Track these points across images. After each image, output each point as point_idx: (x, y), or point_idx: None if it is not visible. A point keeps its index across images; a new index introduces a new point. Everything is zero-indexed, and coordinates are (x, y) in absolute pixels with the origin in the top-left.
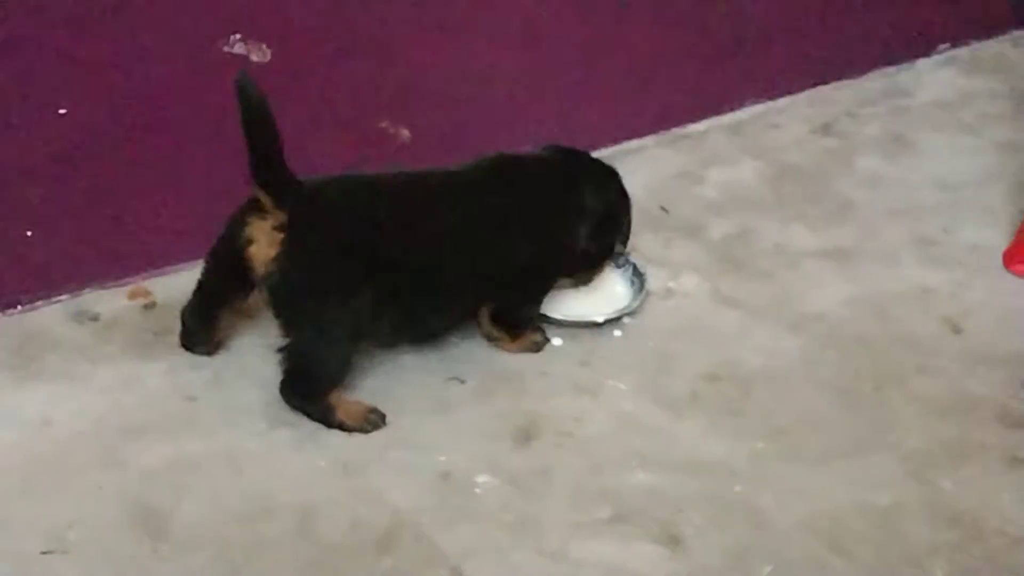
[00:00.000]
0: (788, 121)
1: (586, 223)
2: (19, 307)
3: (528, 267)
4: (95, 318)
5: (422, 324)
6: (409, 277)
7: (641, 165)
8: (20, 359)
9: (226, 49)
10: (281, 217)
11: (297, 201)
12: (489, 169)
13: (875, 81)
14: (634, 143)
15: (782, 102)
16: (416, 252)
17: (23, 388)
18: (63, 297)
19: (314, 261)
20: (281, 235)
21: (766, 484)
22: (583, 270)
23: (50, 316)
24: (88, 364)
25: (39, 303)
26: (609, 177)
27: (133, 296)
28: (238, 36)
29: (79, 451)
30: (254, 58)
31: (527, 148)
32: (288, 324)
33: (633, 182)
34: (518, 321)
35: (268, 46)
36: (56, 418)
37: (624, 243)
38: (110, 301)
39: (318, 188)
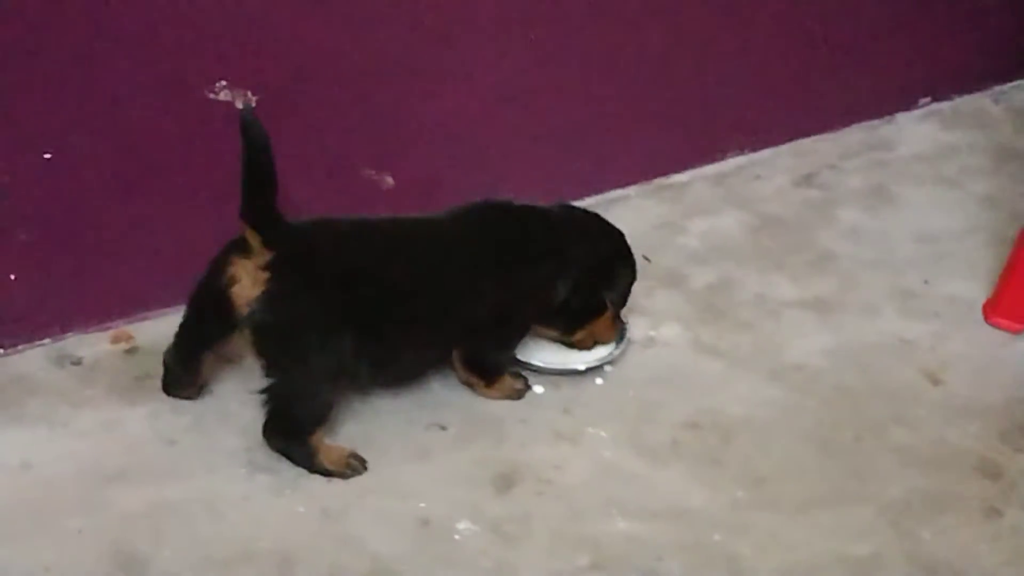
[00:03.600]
0: (771, 173)
1: (566, 277)
2: (1, 350)
3: (496, 314)
4: (77, 362)
5: (398, 366)
6: (386, 319)
7: (624, 215)
8: (1, 403)
9: (211, 96)
10: (267, 256)
11: (283, 241)
12: (470, 215)
13: (857, 134)
14: (617, 193)
15: (765, 153)
16: (393, 294)
17: (3, 432)
18: (45, 341)
19: (299, 301)
20: (266, 274)
21: (745, 533)
22: (565, 325)
23: (32, 360)
24: (69, 408)
25: (21, 347)
26: (605, 236)
27: (115, 340)
28: (223, 83)
29: (59, 495)
30: (239, 105)
31: (547, 204)
32: (270, 364)
33: None
34: (488, 367)
35: (253, 93)
36: (36, 462)
37: (617, 304)
38: (92, 345)
39: (303, 229)
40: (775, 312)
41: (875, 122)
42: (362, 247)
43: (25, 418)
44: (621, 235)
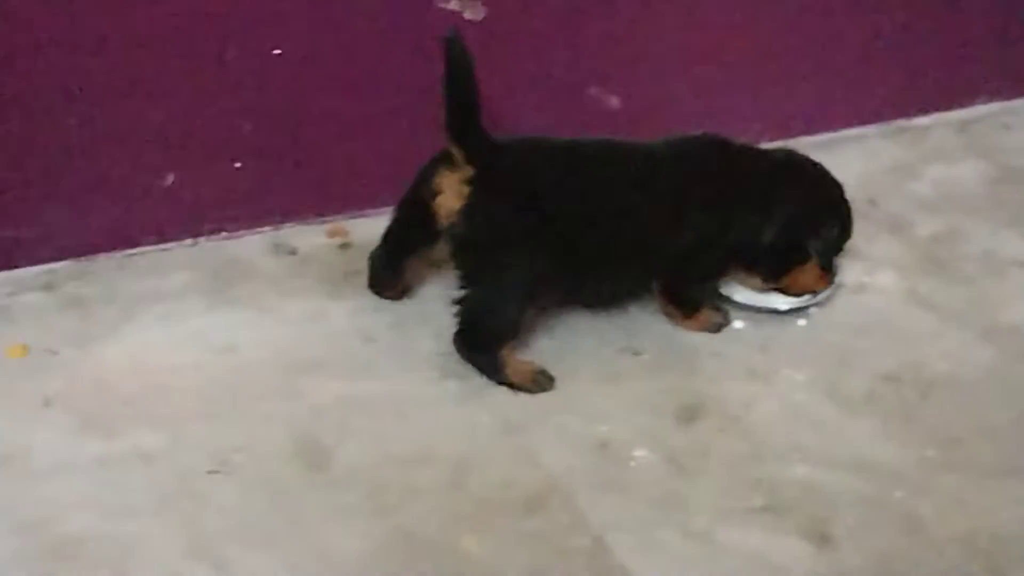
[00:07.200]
0: (1021, 123)
1: (772, 221)
2: (223, 233)
3: (696, 248)
4: (293, 252)
5: (593, 290)
6: (585, 242)
7: (857, 155)
8: (216, 284)
9: (441, 5)
10: (469, 171)
11: (487, 157)
12: (684, 147)
13: None
14: (854, 131)
15: (1018, 102)
16: (593, 218)
17: (214, 312)
18: (265, 229)
19: (496, 216)
20: (468, 188)
21: (929, 493)
22: (768, 271)
23: (250, 246)
24: (278, 296)
25: (242, 232)
26: (819, 187)
27: (332, 234)
28: None
29: (256, 379)
30: (467, 15)
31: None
32: (467, 276)
33: (845, 171)
34: (686, 299)
35: (483, 4)
36: (240, 345)
37: (822, 255)
38: (309, 237)
39: (509, 146)
40: (1000, 270)
41: None
42: (566, 168)
43: (236, 302)
44: (839, 188)
